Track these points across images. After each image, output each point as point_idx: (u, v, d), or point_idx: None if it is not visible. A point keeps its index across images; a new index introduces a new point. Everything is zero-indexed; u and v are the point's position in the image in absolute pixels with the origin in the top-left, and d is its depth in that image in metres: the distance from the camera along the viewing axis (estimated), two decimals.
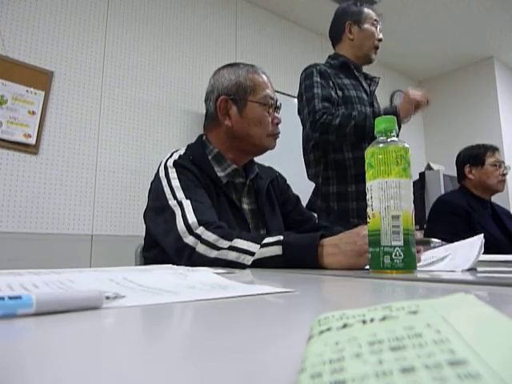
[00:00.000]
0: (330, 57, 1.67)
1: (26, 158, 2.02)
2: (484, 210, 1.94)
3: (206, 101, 1.09)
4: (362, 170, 0.64)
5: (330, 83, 1.49)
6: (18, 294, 0.25)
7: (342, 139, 1.42)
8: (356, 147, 1.48)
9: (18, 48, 2.08)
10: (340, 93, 1.50)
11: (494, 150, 1.96)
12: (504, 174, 1.93)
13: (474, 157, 1.96)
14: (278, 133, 1.08)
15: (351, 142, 1.45)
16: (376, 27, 1.60)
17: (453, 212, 1.88)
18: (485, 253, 0.82)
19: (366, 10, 1.61)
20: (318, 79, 1.47)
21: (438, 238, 1.88)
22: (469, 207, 1.89)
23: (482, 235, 0.78)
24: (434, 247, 0.84)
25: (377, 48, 1.60)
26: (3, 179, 1.95)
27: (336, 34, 1.65)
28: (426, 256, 0.76)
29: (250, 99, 1.02)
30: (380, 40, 1.59)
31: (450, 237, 1.80)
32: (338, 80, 1.54)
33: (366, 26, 1.58)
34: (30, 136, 2.03)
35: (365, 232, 0.70)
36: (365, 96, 1.57)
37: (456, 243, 0.91)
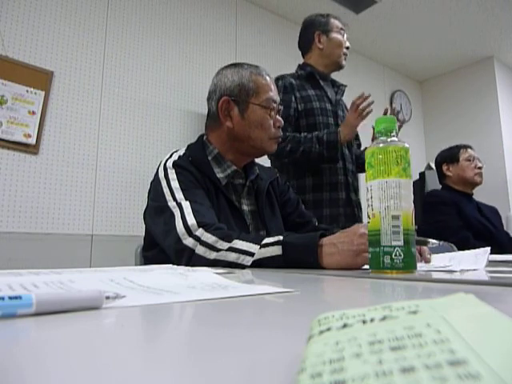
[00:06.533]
0: (299, 66, 1.73)
1: (26, 158, 2.02)
2: (469, 203, 2.08)
3: (208, 100, 1.08)
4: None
5: (293, 98, 1.57)
6: (18, 294, 0.25)
7: (295, 162, 1.53)
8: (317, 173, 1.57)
9: (18, 48, 2.07)
10: (303, 105, 1.58)
11: (466, 147, 2.15)
12: (480, 168, 2.08)
13: (450, 155, 2.15)
14: (280, 136, 1.07)
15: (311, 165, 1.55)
16: (343, 35, 1.68)
17: (443, 202, 2.03)
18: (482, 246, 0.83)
19: (333, 19, 1.69)
20: (282, 96, 1.51)
21: (431, 228, 1.98)
22: (456, 200, 2.04)
23: (489, 248, 0.78)
24: (433, 246, 0.83)
25: (345, 55, 1.68)
26: (3, 179, 1.95)
27: (306, 44, 1.72)
28: (429, 265, 0.76)
29: (253, 101, 1.01)
30: (347, 48, 1.68)
31: (442, 229, 1.92)
32: (303, 92, 1.61)
33: (334, 34, 1.65)
34: (30, 136, 2.03)
35: (362, 230, 0.69)
36: (329, 106, 1.64)
37: (461, 252, 0.91)
